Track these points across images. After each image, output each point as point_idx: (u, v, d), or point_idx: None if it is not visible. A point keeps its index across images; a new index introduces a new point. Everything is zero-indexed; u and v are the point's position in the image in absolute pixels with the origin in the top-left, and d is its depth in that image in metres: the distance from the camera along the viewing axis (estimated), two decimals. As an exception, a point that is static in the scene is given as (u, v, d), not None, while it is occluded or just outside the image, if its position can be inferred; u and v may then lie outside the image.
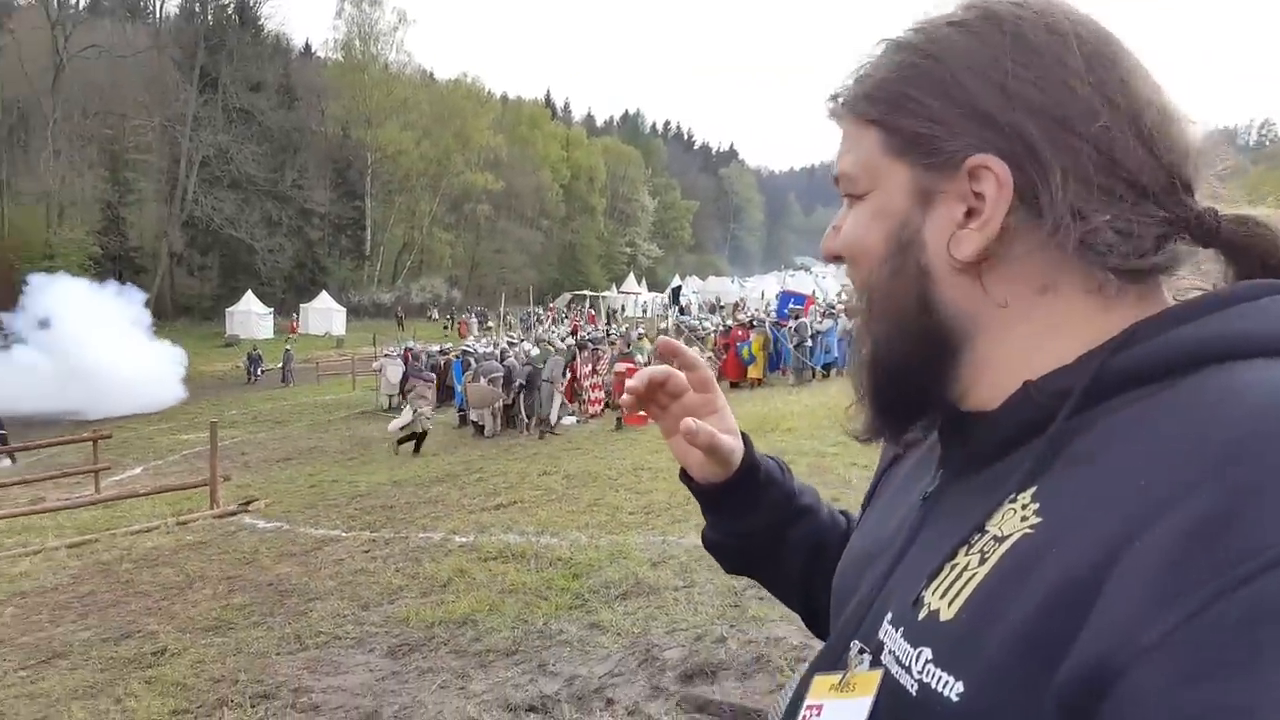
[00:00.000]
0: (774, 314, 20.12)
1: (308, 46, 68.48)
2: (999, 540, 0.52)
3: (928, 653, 0.52)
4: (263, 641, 5.25)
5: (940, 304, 0.60)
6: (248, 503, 10.40)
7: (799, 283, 34.97)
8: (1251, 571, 0.39)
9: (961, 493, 0.61)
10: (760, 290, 37.43)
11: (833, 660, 0.64)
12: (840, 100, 0.66)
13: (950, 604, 0.52)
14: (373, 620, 5.47)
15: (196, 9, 53.02)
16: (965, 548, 0.55)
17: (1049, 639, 0.45)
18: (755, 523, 0.89)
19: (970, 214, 0.58)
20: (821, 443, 9.59)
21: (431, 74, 69.35)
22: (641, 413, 0.93)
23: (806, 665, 0.75)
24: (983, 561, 0.52)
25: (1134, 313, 0.56)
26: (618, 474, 9.58)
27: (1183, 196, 0.57)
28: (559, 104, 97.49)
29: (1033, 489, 0.53)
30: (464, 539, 7.35)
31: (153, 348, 30.24)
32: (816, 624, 0.92)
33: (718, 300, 41.02)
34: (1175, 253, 0.57)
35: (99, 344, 26.32)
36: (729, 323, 22.37)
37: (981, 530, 0.54)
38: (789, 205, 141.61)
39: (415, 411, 14.53)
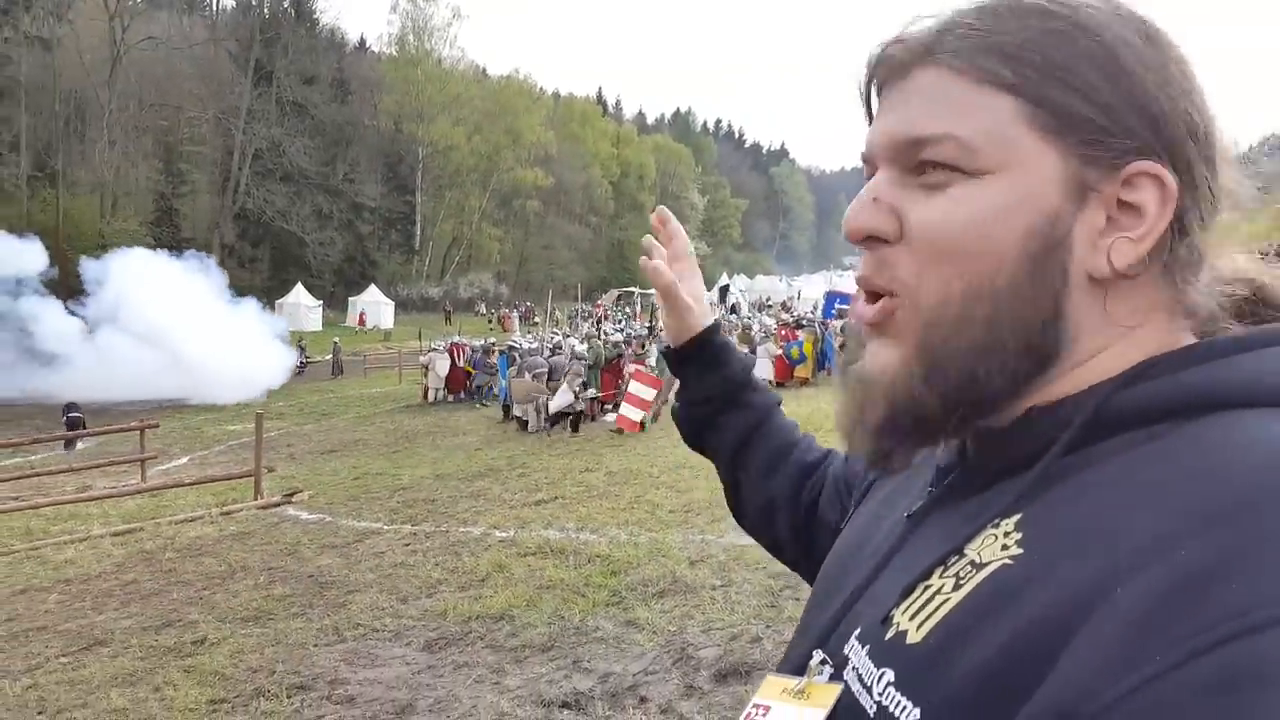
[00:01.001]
0: (821, 314, 19.94)
1: (362, 41, 69.42)
2: (976, 567, 0.50)
3: (890, 674, 0.50)
4: (301, 633, 5.31)
5: (1064, 317, 0.53)
6: (291, 494, 10.52)
7: (846, 283, 34.55)
8: (1231, 633, 0.36)
9: (948, 512, 0.59)
10: (803, 290, 37.06)
11: (794, 664, 0.63)
12: (929, 48, 0.55)
13: (919, 627, 0.50)
14: (410, 614, 5.52)
15: (253, 2, 53.84)
16: (941, 569, 0.53)
17: (1012, 680, 0.43)
18: (699, 393, 1.03)
19: (1110, 221, 0.52)
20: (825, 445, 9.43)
21: (484, 70, 70.03)
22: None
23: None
24: (957, 587, 0.50)
25: (1157, 342, 0.53)
26: (659, 471, 9.56)
27: None
28: (610, 101, 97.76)
29: (1016, 517, 0.50)
30: (504, 534, 7.40)
31: (253, 324, 28.59)
32: (736, 502, 1.05)
33: (767, 299, 40.78)
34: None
35: (193, 323, 25.13)
36: (781, 318, 22.19)
37: (960, 553, 0.52)
38: (839, 205, 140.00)
39: (575, 393, 15.08)
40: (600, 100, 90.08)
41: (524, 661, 4.53)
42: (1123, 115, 0.51)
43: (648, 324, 28.57)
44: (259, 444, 10.84)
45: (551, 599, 5.41)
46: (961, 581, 0.50)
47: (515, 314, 47.72)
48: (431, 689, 4.33)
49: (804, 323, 19.32)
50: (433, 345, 24.57)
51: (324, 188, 53.09)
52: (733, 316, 29.62)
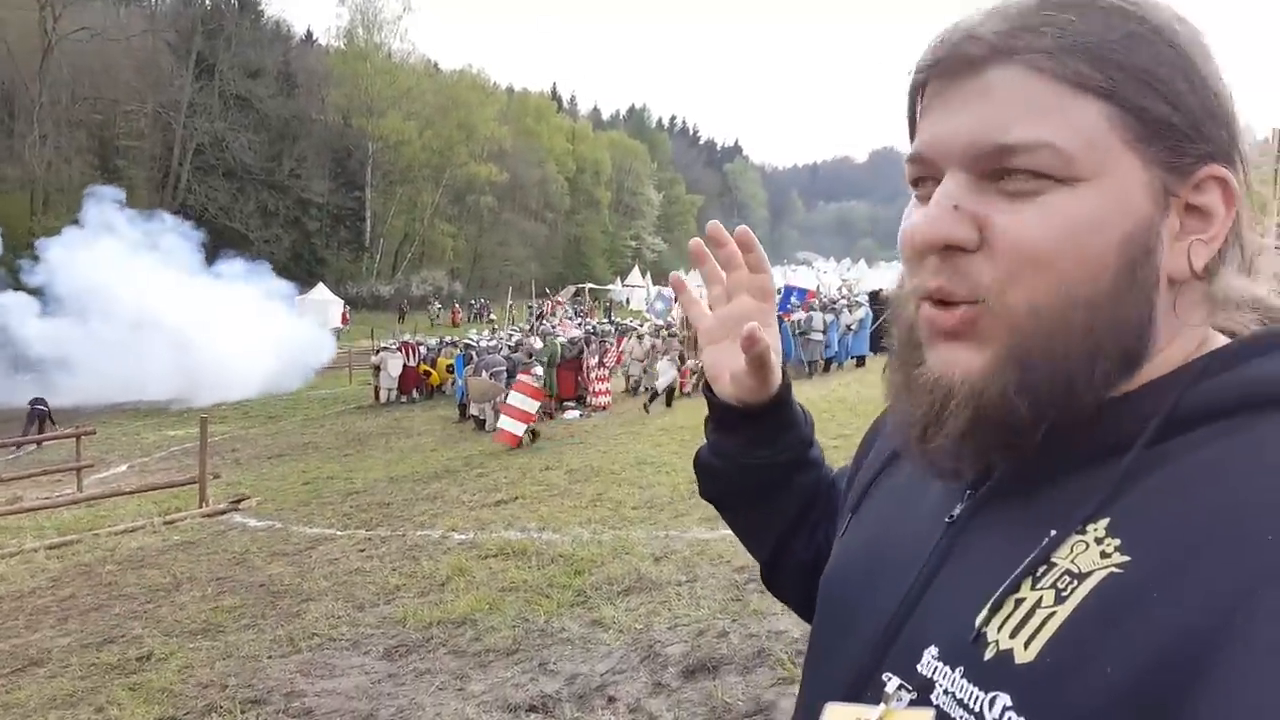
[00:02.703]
0: (778, 306, 20.14)
1: (309, 34, 67.87)
2: (1077, 577, 0.48)
3: (1005, 699, 0.47)
4: (253, 644, 5.16)
5: (1156, 321, 0.54)
6: (238, 501, 10.34)
7: (801, 278, 34.98)
8: None
9: (1004, 515, 0.56)
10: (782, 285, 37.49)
11: (852, 688, 0.59)
12: (1008, 47, 0.52)
13: (1027, 645, 0.48)
14: (368, 621, 5.40)
15: (194, -7, 52.56)
16: (1030, 580, 0.50)
17: (1156, 696, 0.41)
18: (768, 456, 0.86)
19: (1182, 226, 0.54)
20: (823, 436, 9.33)
21: (436, 64, 69.04)
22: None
23: (801, 686, 0.71)
24: (1060, 599, 0.48)
25: (1202, 336, 0.55)
26: (621, 468, 9.50)
27: None
28: (565, 97, 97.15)
29: (1105, 521, 0.49)
30: (463, 536, 7.29)
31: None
32: (777, 570, 0.91)
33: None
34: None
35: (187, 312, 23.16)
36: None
37: (1048, 563, 0.50)
38: (792, 201, 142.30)
39: (664, 371, 15.76)
40: (555, 96, 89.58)
41: (488, 666, 4.44)
42: (1199, 120, 0.52)
43: (606, 320, 28.54)
44: (203, 449, 10.59)
45: (515, 601, 5.31)
46: (1064, 594, 0.48)
47: (460, 308, 47.37)
48: (393, 698, 4.22)
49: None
50: (384, 345, 24.20)
51: (269, 184, 51.98)
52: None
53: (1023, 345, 0.52)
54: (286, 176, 53.46)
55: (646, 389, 16.64)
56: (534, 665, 4.34)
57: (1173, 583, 0.43)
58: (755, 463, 0.86)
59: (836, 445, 8.79)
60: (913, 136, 0.59)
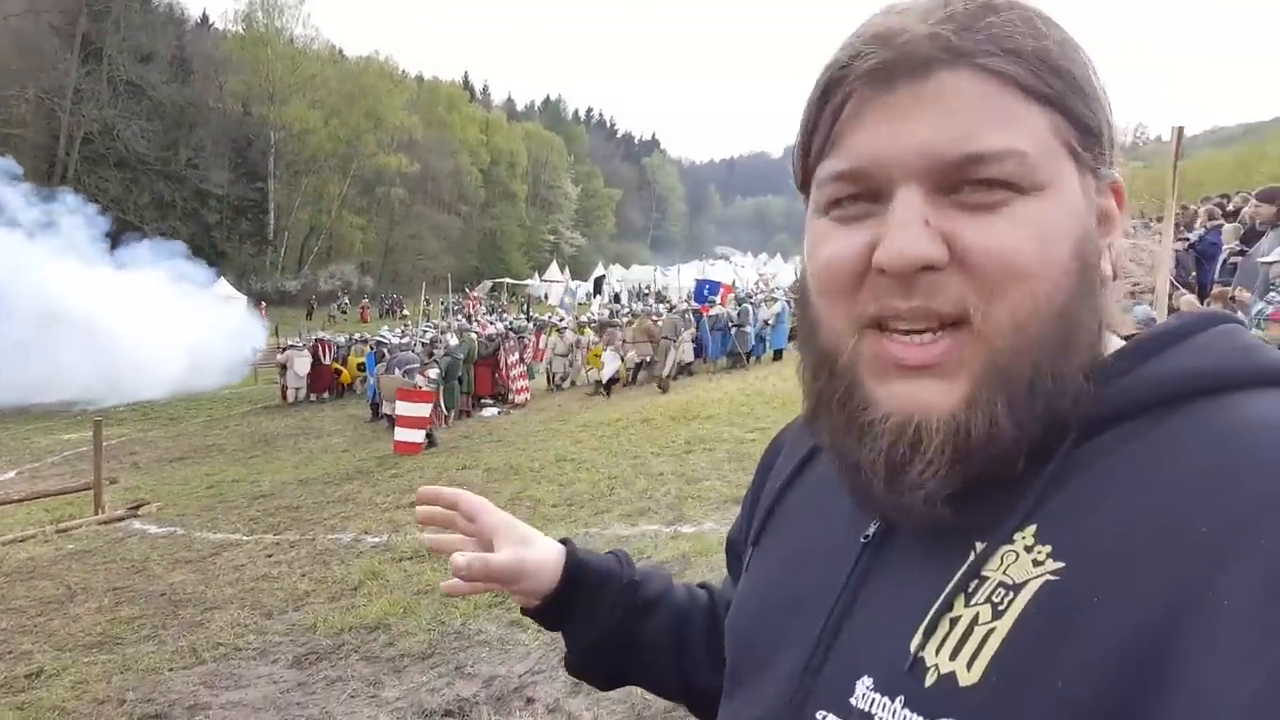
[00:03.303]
0: (692, 300, 20.43)
1: (205, 17, 65.11)
2: (1012, 588, 0.46)
3: None
4: (154, 657, 4.95)
5: (1104, 324, 0.55)
6: (137, 506, 9.95)
7: (719, 272, 35.42)
8: None
9: (923, 533, 0.54)
10: (678, 279, 37.89)
11: None
12: (955, 49, 0.49)
13: (969, 665, 0.46)
14: (276, 629, 5.24)
15: (78, -29, 49.63)
16: (963, 597, 0.48)
17: (1114, 706, 0.40)
18: (603, 625, 0.83)
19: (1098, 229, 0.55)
20: (741, 429, 9.75)
21: (341, 50, 67.03)
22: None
23: None
24: (997, 614, 0.46)
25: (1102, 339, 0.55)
26: (540, 466, 9.44)
27: None
28: (478, 87, 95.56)
29: (1032, 528, 0.48)
30: (376, 539, 7.15)
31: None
32: (700, 703, 0.85)
33: (646, 288, 41.14)
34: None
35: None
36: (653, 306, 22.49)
37: (979, 576, 0.48)
38: (709, 196, 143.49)
39: (623, 357, 16.26)
40: (467, 85, 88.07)
41: (403, 671, 4.36)
42: (1107, 128, 0.53)
43: (524, 316, 28.31)
44: (98, 453, 10.09)
45: (430, 604, 5.22)
46: (1001, 608, 0.46)
47: (369, 304, 46.36)
48: (303, 708, 4.11)
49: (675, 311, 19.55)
50: (291, 342, 23.43)
51: (165, 174, 49.71)
52: (616, 305, 29.75)
53: (1004, 366, 0.49)
54: (183, 166, 51.24)
55: (573, 383, 17.01)
56: (450, 669, 4.27)
57: (1111, 585, 0.42)
58: (594, 638, 0.84)
59: (754, 438, 8.98)
60: (822, 148, 0.53)
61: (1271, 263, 5.55)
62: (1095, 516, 0.45)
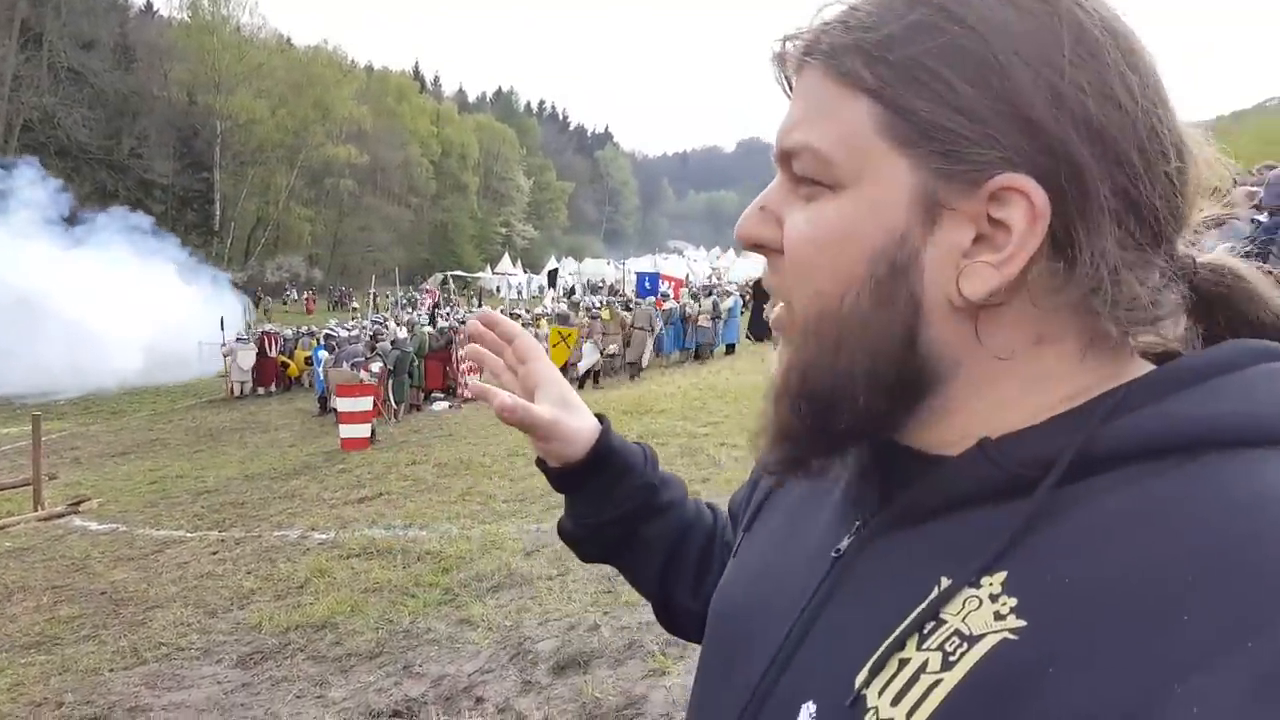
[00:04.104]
0: (635, 293, 20.61)
1: (149, 4, 63.32)
2: (967, 640, 0.42)
3: None
4: (93, 657, 4.87)
5: (924, 344, 0.48)
6: (78, 503, 9.75)
7: (672, 266, 35.53)
8: None
9: (890, 555, 0.51)
10: (631, 272, 38.07)
11: None
12: (810, 46, 0.49)
13: (909, 716, 0.42)
14: (220, 628, 5.17)
15: (16, -44, 47.95)
16: (915, 638, 0.45)
17: None
18: (609, 512, 0.83)
19: (979, 241, 0.46)
20: (694, 424, 9.77)
21: (289, 39, 65.67)
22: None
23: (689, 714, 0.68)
24: (947, 665, 0.42)
25: (1111, 370, 0.48)
26: (492, 461, 9.40)
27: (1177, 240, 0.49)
28: (428, 77, 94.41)
29: (1002, 575, 0.43)
30: (323, 536, 7.06)
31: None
32: (669, 616, 0.89)
33: (600, 281, 41.13)
34: (1170, 306, 0.49)
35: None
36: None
37: (936, 618, 0.44)
38: (662, 189, 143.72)
39: (601, 351, 16.33)
40: (418, 76, 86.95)
41: (350, 671, 4.32)
42: (988, 122, 0.44)
43: (476, 310, 28.03)
44: (37, 448, 9.85)
45: (378, 602, 5.19)
46: (952, 659, 0.42)
47: (314, 296, 45.74)
48: (247, 708, 4.06)
49: (632, 305, 19.59)
50: (239, 335, 22.95)
51: (108, 163, 48.36)
52: (571, 298, 29.66)
53: (801, 356, 0.51)
54: (126, 156, 49.86)
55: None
56: (398, 668, 4.25)
57: (1073, 659, 0.38)
58: (600, 518, 0.84)
59: (707, 433, 9.03)
60: None
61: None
62: (1071, 574, 0.40)
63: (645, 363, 16.66)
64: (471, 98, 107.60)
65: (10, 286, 21.09)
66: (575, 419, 0.82)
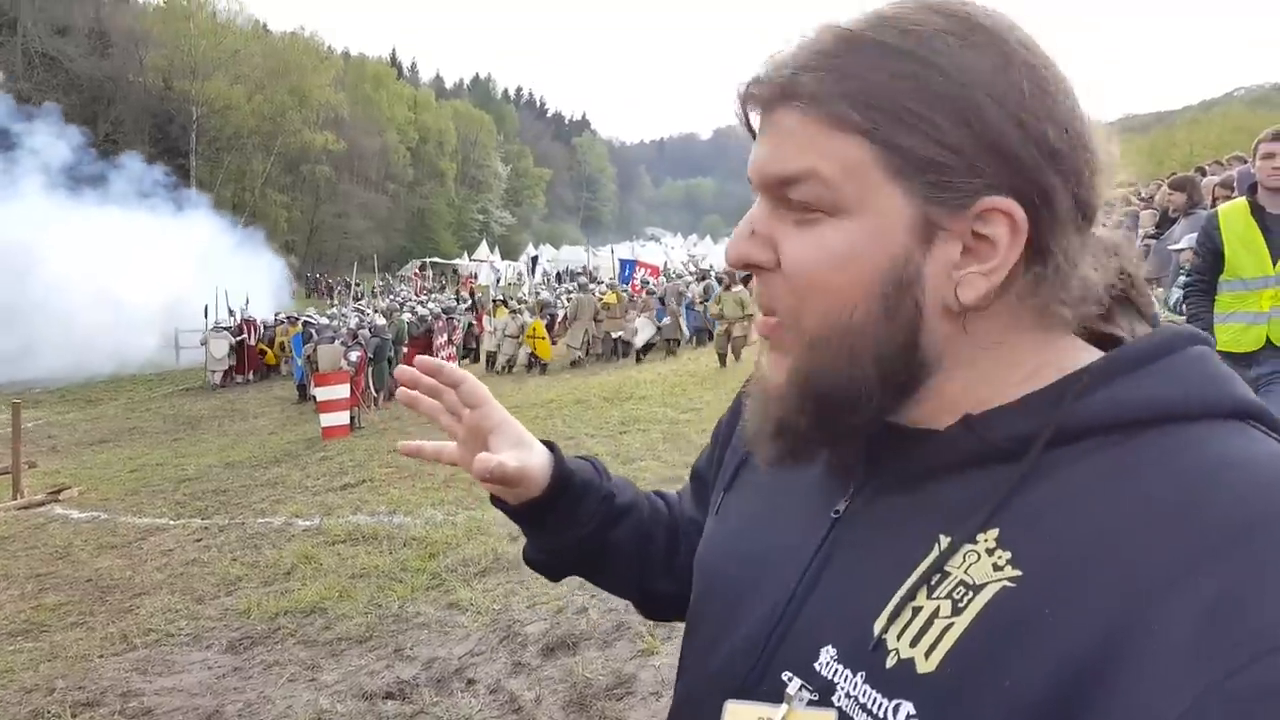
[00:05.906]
0: (618, 280, 20.53)
1: (124, -11, 62.02)
2: (971, 588, 0.50)
3: (909, 707, 0.49)
4: (83, 644, 4.86)
5: (924, 344, 0.56)
6: (58, 491, 9.62)
7: (649, 253, 35.46)
8: (1263, 650, 0.39)
9: (889, 515, 0.59)
10: (609, 260, 37.90)
11: (745, 683, 0.60)
12: (787, 90, 0.55)
13: (927, 655, 0.50)
14: (209, 614, 5.18)
15: (-11, -59, 46.81)
16: (925, 589, 0.52)
17: (1055, 711, 0.44)
18: (578, 531, 0.86)
19: (966, 254, 0.55)
20: (674, 409, 9.80)
21: (265, 26, 64.48)
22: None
23: (681, 671, 0.73)
24: (957, 610, 0.50)
25: (1060, 346, 0.57)
26: (473, 447, 9.37)
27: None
28: (405, 63, 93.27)
29: (995, 532, 0.51)
30: (308, 523, 7.05)
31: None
32: (650, 605, 0.93)
33: (580, 268, 41.00)
34: (1098, 285, 0.58)
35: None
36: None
37: (942, 571, 0.52)
38: (640, 177, 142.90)
39: (659, 325, 16.57)
40: (395, 62, 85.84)
41: (341, 655, 4.35)
42: (970, 154, 0.52)
43: (454, 297, 27.89)
44: (16, 435, 9.75)
45: (366, 588, 5.21)
46: (960, 605, 0.50)
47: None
48: (239, 692, 4.08)
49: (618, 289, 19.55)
50: (219, 322, 22.66)
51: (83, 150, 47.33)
52: (555, 285, 29.56)
53: (808, 364, 0.57)
54: (102, 142, 48.80)
55: (513, 365, 17.41)
56: (389, 652, 4.27)
57: (1062, 602, 0.45)
58: (569, 542, 0.86)
59: (688, 419, 9.08)
60: None
61: (1180, 250, 5.69)
62: (1054, 529, 0.48)
63: (684, 339, 17.13)
64: (449, 84, 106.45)
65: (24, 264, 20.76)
66: (534, 456, 0.83)
